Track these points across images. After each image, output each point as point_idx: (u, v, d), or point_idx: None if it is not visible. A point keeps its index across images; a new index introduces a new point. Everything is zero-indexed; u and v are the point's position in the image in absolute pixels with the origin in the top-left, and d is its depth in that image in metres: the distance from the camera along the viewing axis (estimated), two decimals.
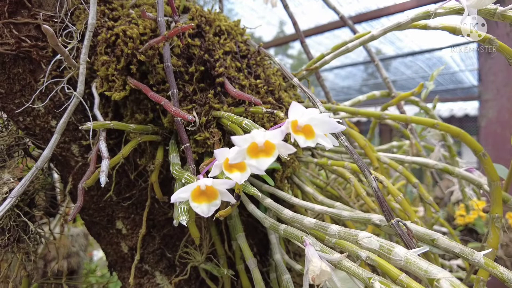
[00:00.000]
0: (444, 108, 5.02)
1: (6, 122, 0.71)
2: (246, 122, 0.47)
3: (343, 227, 0.45)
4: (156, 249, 0.73)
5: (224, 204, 0.60)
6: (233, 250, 0.72)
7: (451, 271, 0.96)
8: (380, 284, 0.36)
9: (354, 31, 0.97)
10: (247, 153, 0.35)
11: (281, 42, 3.47)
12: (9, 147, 0.68)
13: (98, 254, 2.55)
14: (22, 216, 0.60)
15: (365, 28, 3.13)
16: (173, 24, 0.60)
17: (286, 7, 0.85)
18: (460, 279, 0.93)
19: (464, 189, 0.93)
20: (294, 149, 0.34)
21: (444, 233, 1.63)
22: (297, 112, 0.35)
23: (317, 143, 0.37)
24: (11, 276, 0.72)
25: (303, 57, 6.41)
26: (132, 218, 0.72)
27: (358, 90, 5.56)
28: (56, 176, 0.84)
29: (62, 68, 0.62)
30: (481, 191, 0.72)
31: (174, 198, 0.37)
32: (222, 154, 0.40)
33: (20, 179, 0.65)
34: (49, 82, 0.58)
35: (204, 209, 0.38)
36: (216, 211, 0.44)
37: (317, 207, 0.58)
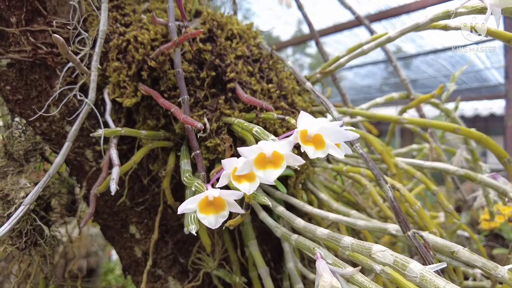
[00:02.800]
0: (468, 108, 4.85)
1: (24, 127, 0.72)
2: (256, 129, 0.46)
3: (357, 239, 0.43)
4: (169, 254, 0.73)
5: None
6: (246, 257, 0.71)
7: (474, 280, 0.92)
8: None
9: (371, 31, 0.95)
10: (254, 165, 0.34)
11: (299, 41, 3.44)
12: (26, 152, 0.69)
13: None
14: (38, 221, 0.61)
15: (385, 26, 3.06)
16: (184, 29, 0.59)
17: (300, 7, 0.83)
18: None
19: (488, 195, 0.89)
20: (303, 161, 0.33)
21: (466, 238, 1.57)
22: (306, 121, 0.34)
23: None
24: (29, 277, 0.73)
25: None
26: (145, 223, 0.72)
27: (378, 89, 5.44)
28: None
29: (75, 74, 0.63)
30: (506, 198, 0.68)
31: (181, 209, 0.37)
32: (230, 164, 0.39)
33: (36, 184, 0.66)
34: (62, 89, 0.59)
35: (212, 220, 0.38)
36: (225, 221, 0.43)
37: (331, 215, 0.56)
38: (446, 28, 0.58)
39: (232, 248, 0.70)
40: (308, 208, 0.58)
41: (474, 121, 4.63)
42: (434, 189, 0.61)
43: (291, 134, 0.42)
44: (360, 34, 3.35)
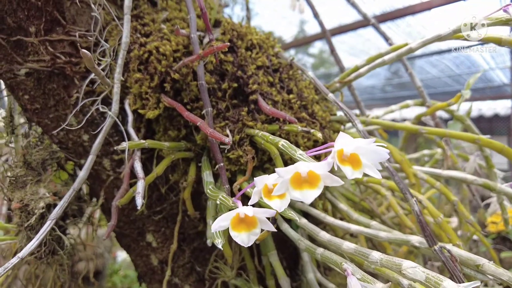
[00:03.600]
0: (472, 108, 4.85)
1: (41, 136, 0.72)
2: (282, 143, 0.46)
3: (385, 254, 0.43)
4: (186, 263, 0.73)
5: None
6: (263, 265, 0.71)
7: (486, 286, 0.92)
8: None
9: (380, 32, 0.93)
10: (290, 184, 0.34)
11: (302, 43, 3.44)
12: (43, 161, 0.69)
13: (122, 254, 2.60)
14: (57, 230, 0.61)
15: (390, 27, 3.05)
16: (205, 40, 0.59)
17: (316, 15, 0.83)
18: None
19: (503, 201, 0.88)
20: (342, 182, 0.33)
21: (474, 241, 1.57)
22: (342, 141, 0.33)
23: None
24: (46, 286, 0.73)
25: (324, 56, 6.32)
26: (162, 231, 0.72)
27: (381, 89, 5.44)
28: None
29: (95, 84, 0.63)
30: None
31: (214, 227, 0.37)
32: (261, 181, 0.39)
33: (55, 194, 0.67)
34: (85, 101, 0.59)
35: (244, 238, 0.38)
36: None
37: (353, 227, 0.56)
38: (467, 38, 0.57)
39: (249, 257, 0.70)
40: (330, 219, 0.58)
41: (478, 121, 4.62)
42: (453, 199, 0.61)
43: (319, 150, 0.42)
44: (364, 35, 3.34)
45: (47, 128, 0.69)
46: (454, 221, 1.09)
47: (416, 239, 0.53)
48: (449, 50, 3.18)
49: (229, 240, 0.71)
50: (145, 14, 0.64)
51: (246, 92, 0.57)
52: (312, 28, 4.19)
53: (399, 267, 0.40)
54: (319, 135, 0.48)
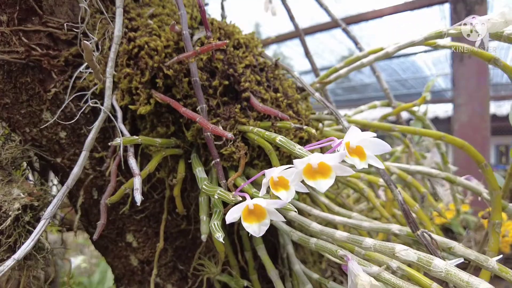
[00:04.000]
0: (416, 110, 5.23)
1: (9, 133, 0.67)
2: (280, 138, 0.48)
3: (378, 240, 0.47)
4: (168, 262, 0.72)
5: None
6: (245, 260, 0.72)
7: None
8: None
9: (350, 36, 0.98)
10: (304, 175, 0.36)
11: (281, 39, 3.50)
12: (14, 160, 0.65)
13: (75, 261, 2.46)
14: (38, 234, 0.57)
15: (353, 29, 3.21)
16: (195, 37, 0.59)
17: (292, 18, 0.86)
18: None
19: (456, 194, 0.98)
20: (352, 171, 0.36)
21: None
22: (352, 134, 0.36)
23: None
24: None
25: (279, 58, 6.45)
26: (144, 231, 0.71)
27: (332, 92, 5.69)
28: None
29: (78, 77, 0.60)
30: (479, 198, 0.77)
31: (229, 219, 0.38)
32: (269, 173, 0.40)
33: (30, 194, 0.63)
34: (74, 96, 0.56)
35: (256, 229, 0.39)
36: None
37: (338, 218, 0.60)
38: (436, 46, 0.64)
39: (232, 253, 0.71)
40: (315, 212, 0.61)
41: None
42: (423, 191, 0.67)
43: (318, 144, 0.45)
44: (319, 38, 3.48)
45: (19, 124, 0.65)
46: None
47: (396, 227, 0.57)
48: (397, 56, 3.42)
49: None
50: (130, 8, 0.62)
51: (237, 89, 0.58)
52: (268, 30, 4.27)
53: (392, 250, 0.44)
54: (313, 131, 0.50)
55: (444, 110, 4.66)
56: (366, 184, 0.69)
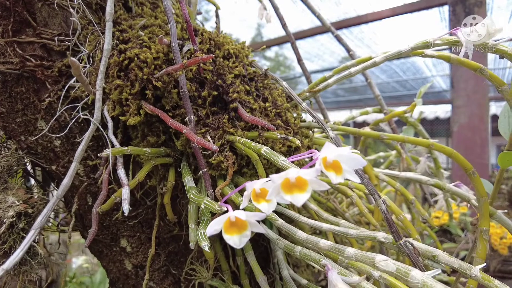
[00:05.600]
0: (415, 111, 5.23)
1: (4, 141, 0.69)
2: (265, 149, 0.49)
3: (359, 250, 0.48)
4: (161, 266, 0.73)
5: None
6: (237, 265, 0.74)
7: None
8: None
9: (342, 44, 1.00)
10: (281, 189, 0.37)
11: (259, 46, 3.50)
12: (9, 168, 0.67)
13: (77, 261, 2.49)
14: (33, 242, 0.59)
15: (345, 33, 3.22)
16: (185, 48, 0.61)
17: (284, 26, 0.87)
18: (445, 282, 0.99)
19: (448, 199, 0.99)
20: (328, 186, 0.37)
21: (421, 234, 1.71)
22: (328, 150, 0.37)
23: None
24: None
25: (280, 59, 6.47)
26: (137, 236, 0.72)
27: (333, 93, 5.68)
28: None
29: (71, 88, 0.62)
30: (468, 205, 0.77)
31: (209, 231, 0.39)
32: (251, 185, 0.42)
33: (25, 202, 0.64)
34: (65, 107, 0.58)
35: (236, 240, 0.40)
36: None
37: (325, 225, 0.61)
38: (423, 55, 0.65)
39: (224, 258, 0.73)
40: (303, 219, 0.62)
41: (421, 123, 4.99)
42: (411, 198, 0.68)
43: (299, 156, 0.46)
44: (320, 40, 3.49)
45: (14, 132, 0.67)
46: (407, 217, 1.19)
47: (382, 235, 0.58)
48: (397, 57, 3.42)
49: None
50: (122, 20, 0.64)
51: (226, 100, 0.59)
52: (270, 32, 4.28)
53: (372, 260, 0.45)
54: (297, 142, 0.52)
55: (445, 110, 4.65)
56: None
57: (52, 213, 0.86)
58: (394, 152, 1.15)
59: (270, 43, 3.20)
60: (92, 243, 0.77)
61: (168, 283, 0.74)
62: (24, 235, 0.62)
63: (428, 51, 0.65)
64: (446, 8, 2.44)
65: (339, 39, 0.89)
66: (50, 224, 0.81)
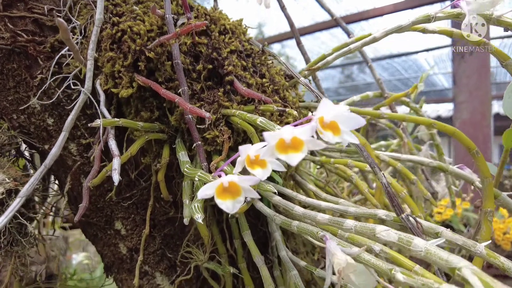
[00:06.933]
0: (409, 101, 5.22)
1: None
2: (260, 119, 0.48)
3: (358, 222, 0.46)
4: (156, 250, 0.72)
5: None
6: (234, 248, 0.72)
7: None
8: (401, 274, 0.38)
9: (342, 27, 0.98)
10: (276, 149, 0.36)
11: (281, 39, 3.51)
12: (1, 146, 0.65)
13: (78, 258, 2.47)
14: (20, 218, 0.57)
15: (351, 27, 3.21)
16: (179, 22, 0.59)
17: (283, 8, 0.86)
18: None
19: (451, 186, 0.97)
20: (324, 145, 0.35)
21: None
22: (324, 108, 0.36)
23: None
24: (3, 280, 0.68)
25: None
26: (132, 218, 0.70)
27: (335, 91, 5.67)
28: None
29: (64, 63, 0.60)
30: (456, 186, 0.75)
31: (200, 194, 0.37)
32: (245, 150, 0.40)
33: (15, 179, 0.63)
34: (53, 78, 0.56)
35: (229, 205, 0.39)
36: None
37: (323, 204, 0.59)
38: (424, 31, 0.63)
39: (220, 241, 0.71)
40: (301, 197, 0.60)
41: None
42: (413, 178, 0.66)
43: (297, 124, 0.44)
44: (320, 37, 3.48)
45: (6, 111, 0.65)
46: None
47: (382, 213, 0.56)
48: (399, 55, 3.40)
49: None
50: None
51: (221, 73, 0.58)
52: (271, 30, 4.28)
53: (373, 231, 0.44)
54: (294, 113, 0.50)
55: (447, 109, 4.63)
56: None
57: (52, 214, 0.84)
58: (395, 141, 1.13)
59: (271, 40, 3.19)
60: (87, 226, 0.76)
61: (163, 266, 0.72)
62: (15, 213, 0.60)
63: (430, 26, 0.63)
64: (447, 3, 2.43)
65: (338, 22, 0.87)
66: (43, 210, 0.79)
